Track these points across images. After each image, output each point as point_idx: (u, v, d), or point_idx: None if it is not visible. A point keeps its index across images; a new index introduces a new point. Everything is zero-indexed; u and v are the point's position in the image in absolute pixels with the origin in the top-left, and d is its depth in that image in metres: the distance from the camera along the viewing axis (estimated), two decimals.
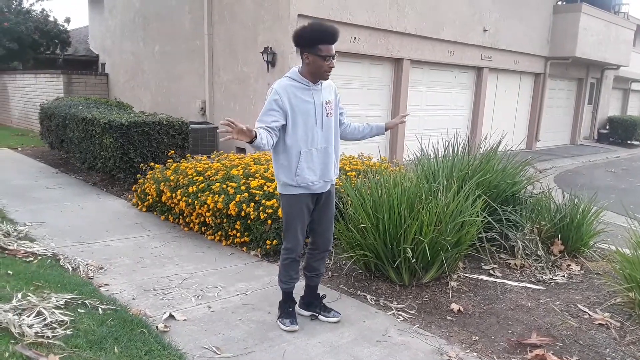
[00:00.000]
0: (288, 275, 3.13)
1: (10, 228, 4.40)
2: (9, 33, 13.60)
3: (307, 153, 2.91)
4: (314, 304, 3.32)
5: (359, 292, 3.73)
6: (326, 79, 2.94)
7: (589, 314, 3.43)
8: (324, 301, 3.34)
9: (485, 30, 11.42)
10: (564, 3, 13.88)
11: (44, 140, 9.10)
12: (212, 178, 5.02)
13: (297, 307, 3.31)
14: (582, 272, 4.30)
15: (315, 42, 2.81)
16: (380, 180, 3.99)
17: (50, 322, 2.69)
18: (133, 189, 6.22)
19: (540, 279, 4.11)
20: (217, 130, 2.57)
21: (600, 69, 16.55)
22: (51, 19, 15.09)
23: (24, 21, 14.01)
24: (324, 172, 2.99)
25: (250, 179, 4.85)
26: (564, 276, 4.17)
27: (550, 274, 4.21)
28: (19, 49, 13.96)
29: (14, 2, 14.39)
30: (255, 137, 2.59)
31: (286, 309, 3.17)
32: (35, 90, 13.09)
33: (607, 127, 17.97)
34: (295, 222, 2.99)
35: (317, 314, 3.29)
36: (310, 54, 2.84)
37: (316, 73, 2.88)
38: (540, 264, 4.34)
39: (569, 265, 4.39)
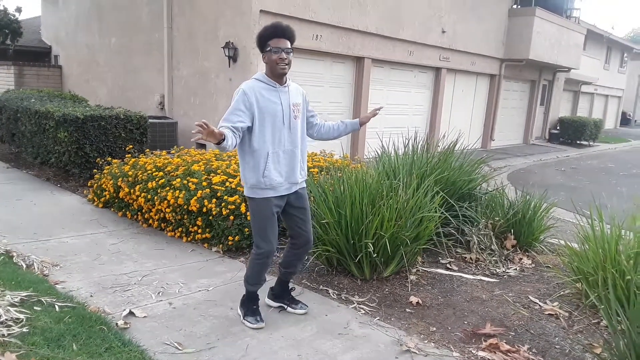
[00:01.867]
0: (258, 278, 3.12)
1: None
2: None
3: (274, 154, 2.93)
4: (283, 296, 3.35)
5: (321, 287, 3.78)
6: (282, 73, 2.91)
7: (539, 305, 3.60)
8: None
9: (443, 32, 11.69)
10: (519, 7, 14.36)
11: None
12: (173, 174, 4.96)
13: (265, 299, 3.35)
14: (533, 265, 4.49)
15: (267, 39, 2.88)
16: (343, 177, 4.05)
17: (6, 319, 2.62)
18: (89, 184, 6.07)
19: (494, 272, 4.28)
20: (192, 132, 2.57)
21: (552, 71, 17.21)
22: (1, 8, 14.43)
23: None
24: (289, 174, 3.01)
25: (212, 174, 4.82)
26: (516, 269, 4.35)
27: (503, 267, 4.38)
28: None
29: None
30: (224, 139, 2.60)
31: (251, 307, 3.17)
32: None
33: (558, 128, 18.71)
34: (265, 226, 2.98)
35: (285, 306, 3.33)
36: (265, 53, 2.91)
37: (273, 70, 2.91)
38: (494, 258, 4.50)
39: (521, 259, 4.58)
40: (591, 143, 18.68)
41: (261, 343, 2.91)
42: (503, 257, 4.56)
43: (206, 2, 8.41)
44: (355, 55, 9.79)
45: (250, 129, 2.88)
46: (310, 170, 5.13)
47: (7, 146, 8.50)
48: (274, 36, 2.87)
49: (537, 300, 3.69)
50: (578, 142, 18.31)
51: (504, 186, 5.34)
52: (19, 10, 14.78)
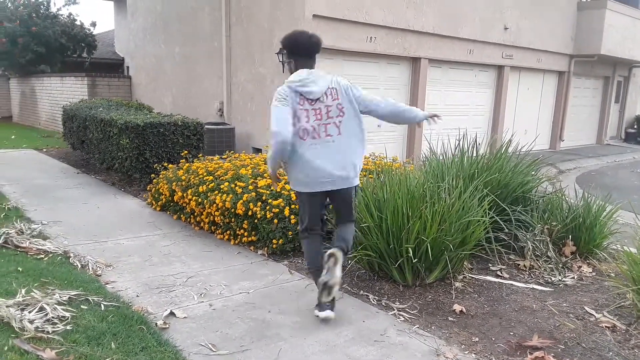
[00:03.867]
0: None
1: (25, 226, 4.53)
2: (37, 37, 14.00)
3: None
4: None
5: (361, 292, 3.72)
6: None
7: (594, 317, 3.35)
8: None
9: (506, 28, 11.23)
10: (589, 0, 13.56)
11: (66, 141, 9.34)
12: (222, 178, 5.07)
13: None
14: (594, 273, 4.20)
15: None
16: (385, 180, 3.97)
17: (52, 317, 2.77)
18: (148, 188, 6.34)
19: (549, 280, 4.03)
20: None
21: (627, 66, 16.11)
22: (77, 23, 15.48)
23: (51, 25, 14.40)
24: None
25: (258, 178, 4.89)
26: (573, 278, 4.08)
27: (560, 275, 4.12)
28: (47, 53, 14.36)
29: (42, 7, 14.80)
30: None
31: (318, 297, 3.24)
32: (62, 93, 13.45)
33: (635, 127, 17.46)
34: None
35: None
36: None
37: None
38: (550, 266, 4.25)
39: (580, 266, 4.29)
40: None
41: (294, 347, 2.90)
42: (560, 265, 4.29)
43: (261, 9, 8.58)
44: (411, 56, 9.62)
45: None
46: None
47: (79, 152, 9.06)
48: None
49: (593, 312, 3.43)
50: None
51: (564, 188, 5.03)
52: (93, 24, 15.80)
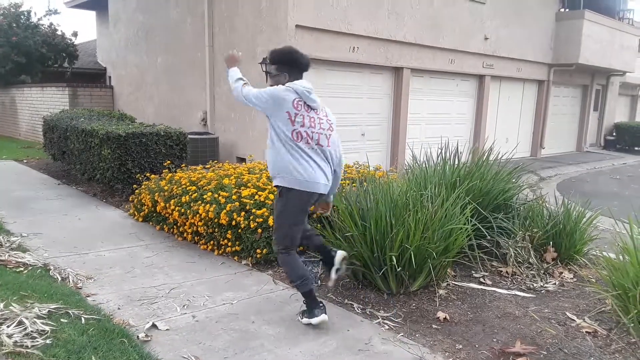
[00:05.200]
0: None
1: (3, 239, 4.45)
2: (17, 47, 13.83)
3: None
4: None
5: (346, 301, 3.72)
6: None
7: (576, 322, 3.39)
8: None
9: (486, 39, 11.41)
10: (567, 10, 13.84)
11: (47, 152, 9.21)
12: (205, 188, 5.05)
13: None
14: (575, 279, 4.25)
15: None
16: (368, 189, 3.99)
17: (31, 331, 2.71)
18: (130, 199, 6.27)
19: (531, 286, 4.08)
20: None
21: (605, 75, 16.44)
22: (59, 32, 15.32)
23: (32, 35, 14.24)
24: None
25: (242, 188, 4.88)
26: (555, 284, 4.13)
27: (541, 281, 4.17)
28: (27, 63, 14.18)
29: (22, 17, 14.64)
30: None
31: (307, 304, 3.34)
32: (42, 103, 13.28)
33: (614, 134, 17.81)
34: None
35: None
36: None
37: None
38: (532, 272, 4.30)
39: (561, 272, 4.35)
40: None
41: (278, 358, 2.89)
42: (542, 271, 4.35)
43: (244, 19, 8.60)
44: (393, 66, 9.71)
45: None
46: (340, 182, 5.10)
47: (59, 163, 8.94)
48: None
49: (574, 317, 3.48)
50: (636, 148, 17.34)
51: (544, 195, 5.10)
52: (75, 34, 15.66)
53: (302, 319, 3.31)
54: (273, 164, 3.25)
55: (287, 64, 3.35)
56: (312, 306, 3.24)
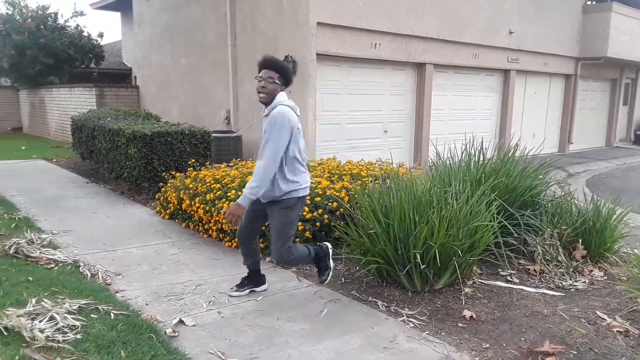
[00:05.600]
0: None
1: (35, 236, 4.56)
2: (45, 49, 14.16)
3: None
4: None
5: (370, 299, 3.71)
6: (260, 100, 3.36)
7: (607, 321, 3.32)
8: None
9: (511, 32, 11.22)
10: (594, 3, 13.52)
11: (75, 151, 9.42)
12: (229, 185, 5.09)
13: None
14: (605, 277, 4.16)
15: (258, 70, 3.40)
16: (391, 186, 3.97)
17: (62, 326, 2.78)
18: (156, 197, 6.36)
19: (560, 285, 4.00)
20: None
21: (635, 68, 16.01)
22: (85, 34, 15.63)
23: (59, 37, 14.56)
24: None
25: None
26: (584, 282, 4.05)
27: (570, 280, 4.09)
28: (55, 64, 14.50)
29: (50, 19, 14.97)
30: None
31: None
32: (70, 104, 13.57)
33: None
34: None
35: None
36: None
37: None
38: (560, 270, 4.22)
39: (591, 270, 4.25)
40: None
41: (303, 354, 2.89)
42: (571, 269, 4.26)
43: (265, 18, 8.63)
44: (415, 62, 9.63)
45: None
46: (363, 179, 5.09)
47: (88, 162, 9.12)
48: (259, 68, 3.34)
49: (605, 316, 3.40)
50: None
51: (573, 192, 5.00)
52: (101, 35, 15.94)
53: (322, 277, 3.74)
54: (285, 183, 3.31)
55: (286, 79, 3.39)
56: (323, 268, 3.74)
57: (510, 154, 4.86)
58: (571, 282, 4.05)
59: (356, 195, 4.39)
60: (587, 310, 3.53)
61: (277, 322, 3.30)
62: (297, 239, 4.41)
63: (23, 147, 12.55)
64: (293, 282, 4.03)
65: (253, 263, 3.76)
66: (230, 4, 9.29)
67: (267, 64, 3.34)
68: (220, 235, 5.10)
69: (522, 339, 3.14)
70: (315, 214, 4.61)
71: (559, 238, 4.43)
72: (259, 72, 3.32)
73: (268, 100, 3.32)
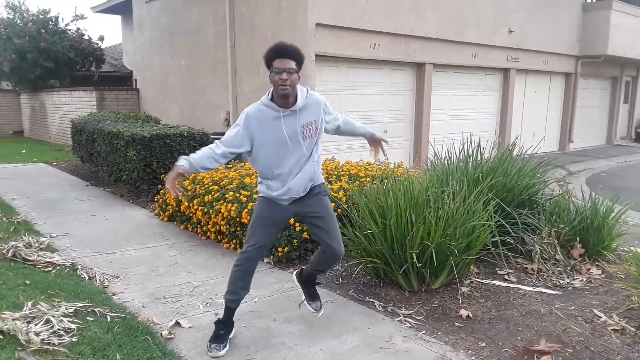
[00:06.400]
0: (232, 285, 3.16)
1: (32, 239, 4.57)
2: (46, 52, 14.19)
3: (277, 175, 2.97)
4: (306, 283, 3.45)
5: (367, 299, 3.71)
6: (283, 94, 2.80)
7: (603, 319, 3.31)
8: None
9: (510, 31, 11.21)
10: (594, 1, 13.50)
11: (75, 154, 9.44)
12: (227, 187, 5.09)
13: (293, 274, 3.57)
14: (603, 276, 4.15)
15: (271, 60, 2.81)
16: (388, 186, 3.97)
17: (58, 329, 2.78)
18: (155, 199, 6.38)
19: (558, 283, 3.99)
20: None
21: (635, 66, 15.99)
22: (85, 37, 15.67)
23: (60, 40, 14.59)
24: (292, 191, 2.97)
25: None
26: (582, 281, 4.04)
27: (568, 278, 4.08)
28: (56, 68, 14.54)
29: (50, 22, 15.01)
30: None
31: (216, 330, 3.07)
32: (71, 107, 13.60)
33: None
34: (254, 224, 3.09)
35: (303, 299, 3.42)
36: (270, 73, 2.83)
37: (276, 91, 2.83)
38: (558, 269, 4.21)
39: (589, 269, 4.24)
40: None
41: (299, 356, 2.90)
42: (569, 268, 4.25)
43: (264, 19, 8.64)
44: (415, 62, 9.63)
45: (250, 152, 2.97)
46: (362, 180, 5.09)
47: (88, 165, 9.14)
48: (276, 56, 2.79)
49: (601, 314, 3.39)
50: None
51: (572, 190, 4.99)
52: (101, 38, 15.99)
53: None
54: (319, 172, 3.11)
55: (301, 67, 3.01)
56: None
57: (508, 152, 4.85)
58: (569, 281, 4.05)
59: (353, 196, 4.40)
60: (584, 309, 3.53)
61: (273, 324, 3.30)
62: (295, 240, 4.42)
63: (24, 151, 12.58)
64: (290, 283, 4.02)
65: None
66: (229, 6, 9.30)
67: (288, 52, 2.83)
68: (219, 237, 5.10)
69: (519, 337, 3.14)
70: None
71: (556, 237, 4.42)
72: (283, 64, 2.77)
73: (292, 93, 2.85)
